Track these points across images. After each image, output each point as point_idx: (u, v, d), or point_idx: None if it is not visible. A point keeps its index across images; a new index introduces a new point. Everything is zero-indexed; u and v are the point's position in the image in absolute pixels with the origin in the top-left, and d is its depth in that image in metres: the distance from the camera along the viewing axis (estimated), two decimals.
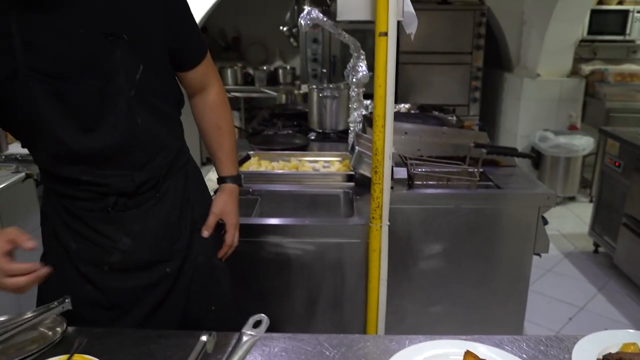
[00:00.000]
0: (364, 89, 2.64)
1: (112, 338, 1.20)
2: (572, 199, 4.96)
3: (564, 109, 4.98)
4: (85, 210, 1.29)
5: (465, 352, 1.07)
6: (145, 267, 1.34)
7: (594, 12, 4.95)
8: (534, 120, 5.00)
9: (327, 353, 1.14)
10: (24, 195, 1.93)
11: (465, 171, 2.36)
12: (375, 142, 1.72)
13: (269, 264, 1.98)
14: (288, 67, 6.12)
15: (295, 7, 5.09)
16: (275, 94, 5.42)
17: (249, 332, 1.03)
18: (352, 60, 2.59)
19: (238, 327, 1.06)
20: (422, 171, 2.32)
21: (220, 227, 1.47)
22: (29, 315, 1.21)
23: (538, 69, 4.94)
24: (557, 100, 4.97)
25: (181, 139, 1.43)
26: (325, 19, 2.49)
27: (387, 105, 1.66)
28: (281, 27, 5.15)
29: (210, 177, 2.07)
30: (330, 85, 3.15)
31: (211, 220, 1.44)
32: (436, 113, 3.75)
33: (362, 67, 2.55)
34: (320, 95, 3.04)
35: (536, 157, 4.96)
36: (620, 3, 5.01)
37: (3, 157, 2.88)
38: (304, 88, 4.75)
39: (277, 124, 3.26)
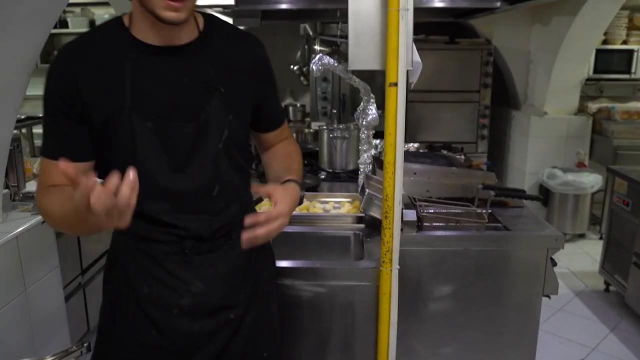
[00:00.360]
0: (374, 131, 2.71)
1: None
2: (581, 236, 4.96)
3: (571, 146, 5.02)
4: (162, 252, 1.34)
5: None
6: (212, 312, 1.39)
7: (599, 52, 5.03)
8: (542, 158, 5.03)
9: None
10: (43, 237, 1.98)
11: (474, 212, 2.40)
12: (386, 188, 1.76)
13: (280, 305, 2.00)
14: (298, 105, 6.23)
15: (306, 47, 5.22)
16: None
17: None
18: (362, 104, 2.66)
19: None
20: (431, 213, 2.36)
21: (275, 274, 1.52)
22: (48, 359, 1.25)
23: (545, 107, 5.00)
24: (564, 138, 5.01)
25: (249, 192, 1.52)
26: (336, 64, 2.57)
27: (397, 152, 1.71)
28: (292, 66, 5.27)
29: None
30: (341, 126, 3.22)
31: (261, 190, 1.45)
32: (445, 152, 3.80)
33: (372, 110, 2.62)
34: (331, 135, 3.11)
35: (545, 195, 4.98)
36: (624, 42, 5.09)
37: (21, 195, 2.95)
38: (314, 126, 4.84)
39: None
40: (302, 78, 5.41)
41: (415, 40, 1.81)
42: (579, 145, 5.01)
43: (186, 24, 1.25)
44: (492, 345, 2.24)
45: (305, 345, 2.06)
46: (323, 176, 3.11)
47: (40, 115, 3.77)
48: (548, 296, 2.26)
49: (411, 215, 2.18)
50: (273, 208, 1.29)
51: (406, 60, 1.71)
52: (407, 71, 1.84)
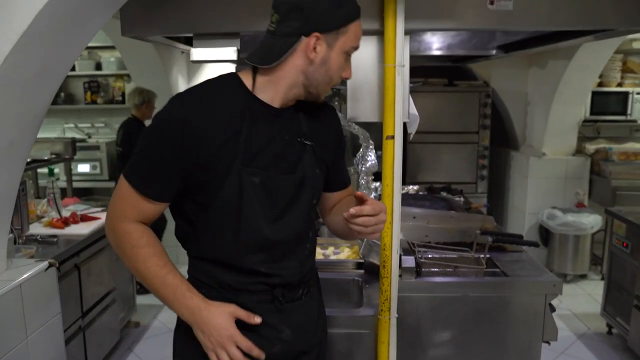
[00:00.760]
0: (373, 177, 2.75)
1: None
2: (583, 276, 4.94)
3: (570, 186, 5.06)
4: (254, 302, 1.38)
5: None
6: (295, 358, 1.47)
7: (595, 94, 5.12)
8: (541, 198, 5.07)
9: None
10: (46, 284, 2.00)
11: (472, 258, 2.42)
12: (384, 238, 1.80)
13: None
14: None
15: None
16: None
17: None
18: (361, 150, 2.71)
19: None
20: (430, 258, 2.38)
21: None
22: None
23: (543, 148, 5.06)
24: (563, 179, 5.06)
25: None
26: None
27: (395, 202, 1.75)
28: None
29: None
30: None
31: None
32: (444, 194, 3.84)
33: (371, 156, 2.67)
34: None
35: (545, 235, 4.99)
36: (619, 85, 5.19)
37: (24, 237, 2.99)
38: None
39: None
40: None
41: (414, 84, 1.88)
42: (578, 186, 5.05)
43: None
44: None
45: None
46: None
47: (46, 158, 3.81)
48: (548, 342, 2.27)
49: (410, 261, 2.21)
50: (371, 203, 1.31)
51: (403, 113, 1.77)
52: (409, 122, 1.91)
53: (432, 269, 2.34)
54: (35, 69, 1.60)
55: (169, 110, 1.30)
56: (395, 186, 1.74)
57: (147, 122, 4.67)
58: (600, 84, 5.18)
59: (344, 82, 1.64)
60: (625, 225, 3.58)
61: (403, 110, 1.77)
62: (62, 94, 5.50)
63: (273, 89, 1.34)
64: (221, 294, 1.37)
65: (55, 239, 2.92)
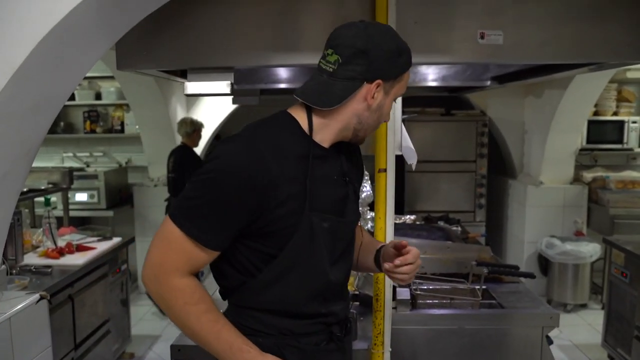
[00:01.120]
0: (368, 207, 2.75)
1: None
2: (583, 306, 4.89)
3: (569, 215, 5.05)
4: (313, 344, 1.37)
5: None
6: None
7: (591, 123, 5.16)
8: (540, 227, 5.05)
9: None
10: (37, 317, 1.98)
11: (468, 289, 2.40)
12: None
13: None
14: None
15: None
16: None
17: None
18: None
19: None
20: (425, 290, 2.37)
21: None
22: None
23: (541, 176, 5.07)
24: (561, 207, 5.05)
25: None
26: None
27: (387, 234, 1.75)
28: None
29: None
30: None
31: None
32: (441, 224, 3.83)
33: (367, 187, 2.68)
34: None
35: (544, 264, 4.97)
36: (615, 114, 5.23)
37: (18, 268, 2.97)
38: None
39: None
40: None
41: (410, 114, 1.90)
42: (576, 214, 5.04)
43: None
44: None
45: None
46: None
47: (43, 187, 3.80)
48: None
49: (405, 293, 2.19)
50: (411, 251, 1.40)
51: (395, 145, 1.77)
52: (405, 155, 1.92)
53: (428, 301, 2.32)
54: (30, 102, 1.61)
55: (234, 154, 1.23)
56: (387, 219, 1.74)
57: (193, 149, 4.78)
58: (596, 113, 5.23)
59: None
60: (624, 254, 3.56)
61: (395, 143, 1.77)
62: (62, 123, 5.54)
63: (328, 131, 1.32)
64: (281, 340, 1.33)
65: (49, 270, 2.90)
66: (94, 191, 4.94)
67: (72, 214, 4.89)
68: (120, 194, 5.29)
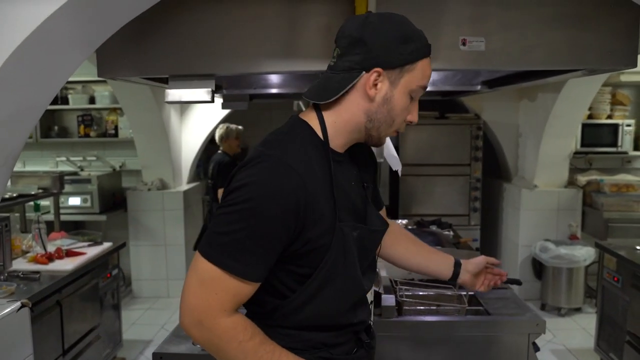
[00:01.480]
0: None
1: None
2: (577, 309, 4.88)
3: (563, 219, 5.04)
4: (344, 353, 1.34)
5: None
6: None
7: (585, 126, 5.15)
8: (534, 230, 5.04)
9: None
10: (18, 325, 1.97)
11: (455, 296, 2.39)
12: None
13: None
14: None
15: None
16: None
17: None
18: None
19: None
20: (411, 296, 2.35)
21: None
22: None
23: (535, 179, 5.06)
24: (556, 211, 5.04)
25: None
26: None
27: None
28: None
29: None
30: None
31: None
32: (434, 228, 3.83)
33: None
34: None
35: (538, 268, 4.95)
36: (609, 117, 5.22)
37: (6, 274, 2.95)
38: None
39: None
40: None
41: None
42: (571, 218, 5.03)
43: None
44: None
45: None
46: None
47: (33, 192, 3.79)
48: None
49: (390, 300, 2.18)
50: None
51: (377, 152, 1.76)
52: (390, 163, 1.91)
53: (414, 308, 2.31)
54: (7, 110, 1.61)
55: (269, 177, 1.14)
56: None
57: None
58: (590, 116, 5.22)
59: None
60: (616, 259, 3.55)
61: (377, 150, 1.76)
62: (56, 128, 5.54)
63: (339, 134, 1.26)
64: (314, 355, 1.29)
65: (37, 275, 2.90)
66: (87, 195, 4.93)
67: (65, 218, 4.90)
68: (114, 198, 5.29)
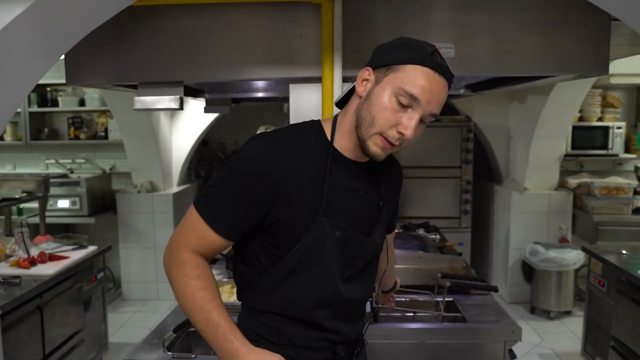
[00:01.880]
0: None
1: None
2: (567, 313, 4.86)
3: (553, 221, 5.02)
4: (316, 359, 1.37)
5: None
6: None
7: (575, 128, 5.13)
8: (524, 233, 5.02)
9: None
10: None
11: (433, 302, 2.38)
12: None
13: None
14: None
15: None
16: None
17: None
18: None
19: None
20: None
21: None
22: None
23: (525, 182, 5.04)
24: (546, 213, 5.02)
25: None
26: None
27: None
28: None
29: None
30: None
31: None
32: (420, 232, 3.81)
33: None
34: None
35: (528, 271, 4.94)
36: (600, 119, 5.21)
37: None
38: None
39: None
40: None
41: None
42: (561, 221, 5.02)
43: None
44: None
45: None
46: None
47: (17, 196, 3.78)
48: None
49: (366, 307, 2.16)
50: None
51: None
52: None
53: (391, 314, 2.30)
54: None
55: (254, 149, 1.29)
56: None
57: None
58: (581, 119, 5.20)
59: None
60: (602, 264, 3.54)
61: None
62: (46, 130, 5.53)
63: (345, 135, 1.33)
64: (282, 351, 1.30)
65: (18, 280, 2.88)
66: (76, 198, 4.92)
67: (54, 220, 4.89)
68: (103, 201, 5.27)
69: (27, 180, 4.04)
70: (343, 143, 1.33)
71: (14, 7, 1.40)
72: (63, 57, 1.85)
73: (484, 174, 5.72)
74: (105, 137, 5.44)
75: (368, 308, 2.16)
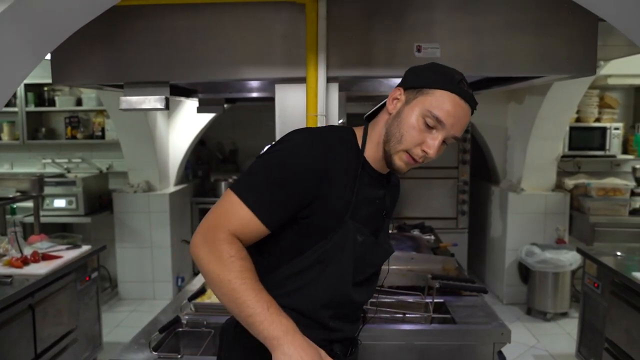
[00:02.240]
0: None
1: None
2: (564, 314, 4.85)
3: (550, 222, 5.01)
4: None
5: None
6: None
7: (573, 129, 5.12)
8: (521, 234, 5.01)
9: None
10: None
11: (423, 303, 2.37)
12: None
13: None
14: None
15: None
16: None
17: None
18: None
19: None
20: (377, 303, 2.33)
21: None
22: None
23: (522, 183, 5.03)
24: (543, 214, 5.01)
25: None
26: None
27: None
28: None
29: None
30: None
31: None
32: (415, 232, 3.80)
33: None
34: None
35: (525, 272, 4.93)
36: (597, 120, 5.19)
37: None
38: None
39: None
40: None
41: None
42: (558, 222, 5.00)
43: None
44: None
45: None
46: None
47: (11, 196, 3.78)
48: None
49: None
50: None
51: None
52: None
53: (380, 315, 2.29)
54: None
55: (308, 141, 1.32)
56: None
57: None
58: (578, 119, 5.19)
59: None
60: (596, 265, 3.52)
61: None
62: (43, 129, 5.53)
63: (373, 146, 1.40)
64: None
65: (9, 280, 2.88)
66: (72, 197, 4.92)
67: (50, 220, 4.89)
68: (100, 200, 5.28)
69: (22, 179, 4.03)
70: (371, 153, 1.40)
71: None
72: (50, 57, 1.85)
73: (481, 174, 5.72)
74: (102, 136, 5.45)
75: None
